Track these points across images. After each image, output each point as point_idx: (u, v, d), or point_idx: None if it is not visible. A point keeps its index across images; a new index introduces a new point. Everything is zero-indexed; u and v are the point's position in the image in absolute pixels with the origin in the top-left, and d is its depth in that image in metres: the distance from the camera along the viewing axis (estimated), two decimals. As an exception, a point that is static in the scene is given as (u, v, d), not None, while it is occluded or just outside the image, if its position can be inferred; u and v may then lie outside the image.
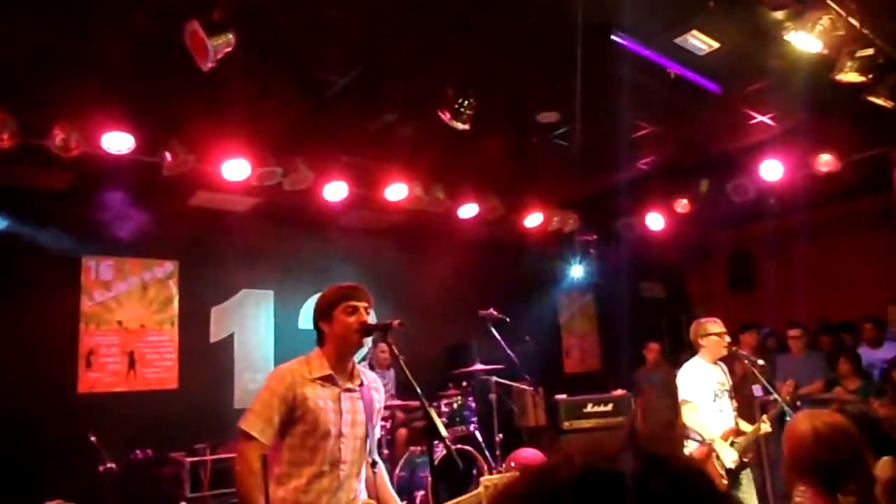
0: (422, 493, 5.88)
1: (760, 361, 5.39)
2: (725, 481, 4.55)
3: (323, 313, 2.92)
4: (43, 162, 5.29)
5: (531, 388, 7.09)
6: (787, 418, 4.42)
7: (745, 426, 4.89)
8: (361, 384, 2.98)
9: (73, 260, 6.11)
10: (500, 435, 6.51)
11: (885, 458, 2.39)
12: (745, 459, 4.68)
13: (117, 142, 5.27)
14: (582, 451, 0.68)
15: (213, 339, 6.77)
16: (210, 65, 4.32)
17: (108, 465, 4.76)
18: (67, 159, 5.14)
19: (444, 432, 2.84)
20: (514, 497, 0.67)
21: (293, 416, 2.77)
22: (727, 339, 4.90)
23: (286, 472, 2.79)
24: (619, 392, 7.46)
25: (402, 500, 4.94)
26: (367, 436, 2.93)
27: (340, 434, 2.83)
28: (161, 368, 6.34)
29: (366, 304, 2.93)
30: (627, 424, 7.31)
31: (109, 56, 4.50)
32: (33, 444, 5.25)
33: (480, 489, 3.09)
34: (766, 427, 4.75)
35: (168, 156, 5.50)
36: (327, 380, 2.86)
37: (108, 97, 5.04)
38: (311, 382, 2.82)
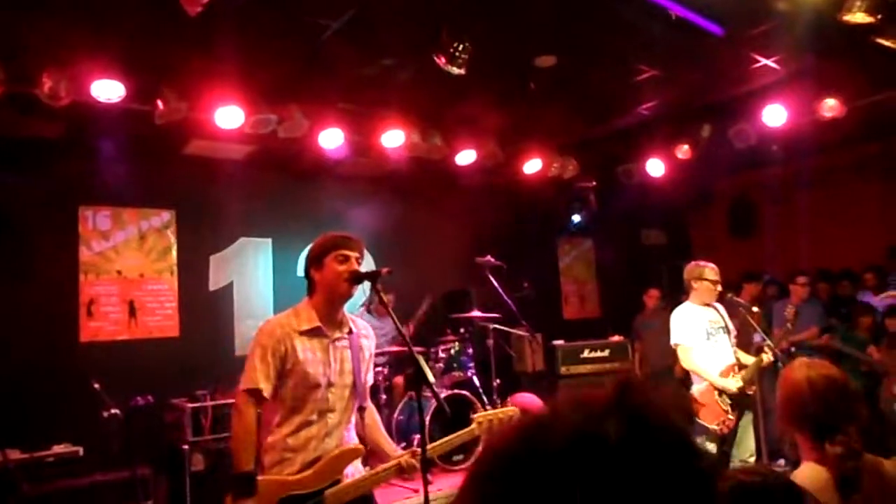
0: (419, 436, 6.02)
1: (755, 308, 5.43)
2: (731, 417, 4.62)
3: (314, 261, 2.94)
4: (33, 110, 5.22)
5: (529, 334, 7.17)
6: (780, 365, 4.48)
7: (748, 359, 4.93)
8: (350, 332, 3.02)
9: (70, 210, 6.10)
10: (498, 380, 6.63)
11: None
12: (749, 392, 4.72)
13: (108, 90, 5.19)
14: (570, 408, 0.69)
15: (212, 287, 6.82)
16: (197, 9, 4.22)
17: (112, 411, 4.86)
18: (57, 108, 5.07)
19: (431, 378, 2.91)
20: (503, 458, 0.69)
21: (284, 369, 2.82)
22: (719, 287, 4.93)
23: (276, 422, 2.87)
24: (616, 338, 7.54)
25: (399, 442, 5.07)
26: (355, 384, 2.98)
27: (329, 384, 2.89)
28: (162, 317, 6.41)
29: (357, 255, 2.94)
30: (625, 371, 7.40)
31: (97, 1, 4.38)
32: (40, 391, 5.38)
33: (473, 426, 3.18)
34: (768, 357, 4.75)
35: (160, 104, 5.42)
36: (315, 332, 2.90)
37: (97, 44, 4.94)
38: (299, 336, 2.87)
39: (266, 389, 2.77)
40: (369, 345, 3.14)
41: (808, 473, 2.01)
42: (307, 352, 2.86)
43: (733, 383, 4.65)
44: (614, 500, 0.63)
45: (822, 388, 2.11)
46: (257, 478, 2.74)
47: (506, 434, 0.71)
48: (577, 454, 0.65)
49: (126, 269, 6.29)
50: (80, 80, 5.10)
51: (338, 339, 2.96)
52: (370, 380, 3.21)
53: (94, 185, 6.12)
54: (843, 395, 2.11)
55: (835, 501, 1.93)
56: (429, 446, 2.97)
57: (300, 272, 7.60)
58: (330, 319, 2.95)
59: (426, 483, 3.00)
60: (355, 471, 2.97)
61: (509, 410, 3.28)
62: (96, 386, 4.90)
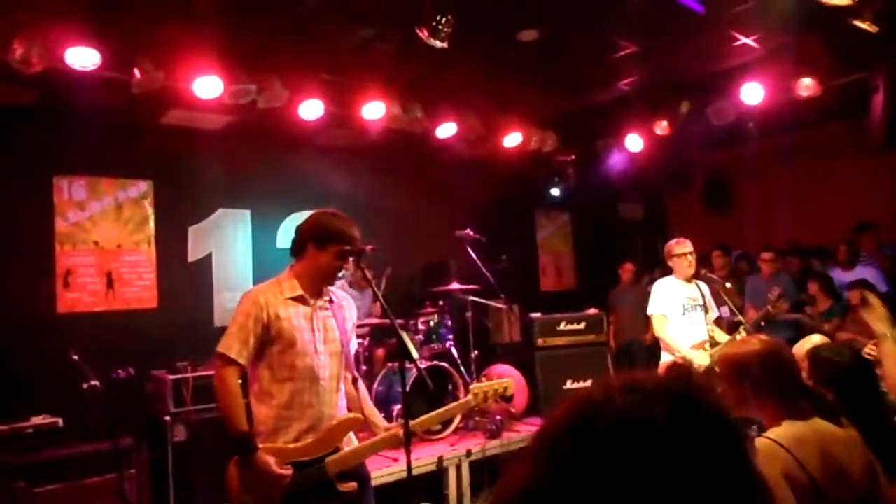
0: (398, 406, 6.11)
1: (728, 284, 5.59)
2: None
3: (318, 240, 2.97)
4: (4, 77, 5.09)
5: (506, 307, 7.26)
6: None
7: (723, 336, 5.10)
8: (332, 302, 3.08)
9: (45, 179, 5.99)
10: (476, 352, 6.72)
11: None
12: (718, 369, 4.88)
13: (82, 57, 5.06)
14: (621, 387, 0.74)
15: (191, 258, 6.78)
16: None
17: (92, 383, 4.84)
18: (30, 75, 4.95)
19: (414, 354, 2.98)
20: (558, 436, 0.73)
21: (269, 336, 2.88)
22: (690, 259, 5.09)
23: (267, 391, 2.91)
24: (592, 311, 7.65)
25: (379, 412, 5.18)
26: (342, 352, 3.05)
27: (316, 350, 2.95)
28: (140, 288, 6.36)
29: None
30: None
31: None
32: (18, 363, 5.31)
33: (469, 397, 3.26)
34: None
35: (137, 72, 5.32)
36: (298, 300, 2.96)
37: (71, 9, 4.82)
38: (283, 302, 2.92)
39: (240, 356, 2.82)
40: (351, 315, 3.20)
41: (788, 430, 2.11)
42: (292, 319, 2.92)
43: (701, 357, 4.81)
44: (661, 479, 0.66)
45: (778, 354, 2.28)
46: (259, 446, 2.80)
47: (562, 414, 0.75)
48: (627, 435, 0.69)
49: (103, 239, 6.21)
50: (53, 46, 4.97)
51: (321, 307, 3.03)
52: (353, 348, 3.28)
53: (70, 155, 6.00)
54: (790, 362, 2.31)
55: (815, 454, 2.02)
56: (422, 418, 3.06)
57: (280, 244, 7.57)
58: (312, 291, 3.02)
59: (409, 453, 3.08)
60: (348, 440, 3.05)
61: (504, 382, 3.31)
62: (75, 357, 4.88)
